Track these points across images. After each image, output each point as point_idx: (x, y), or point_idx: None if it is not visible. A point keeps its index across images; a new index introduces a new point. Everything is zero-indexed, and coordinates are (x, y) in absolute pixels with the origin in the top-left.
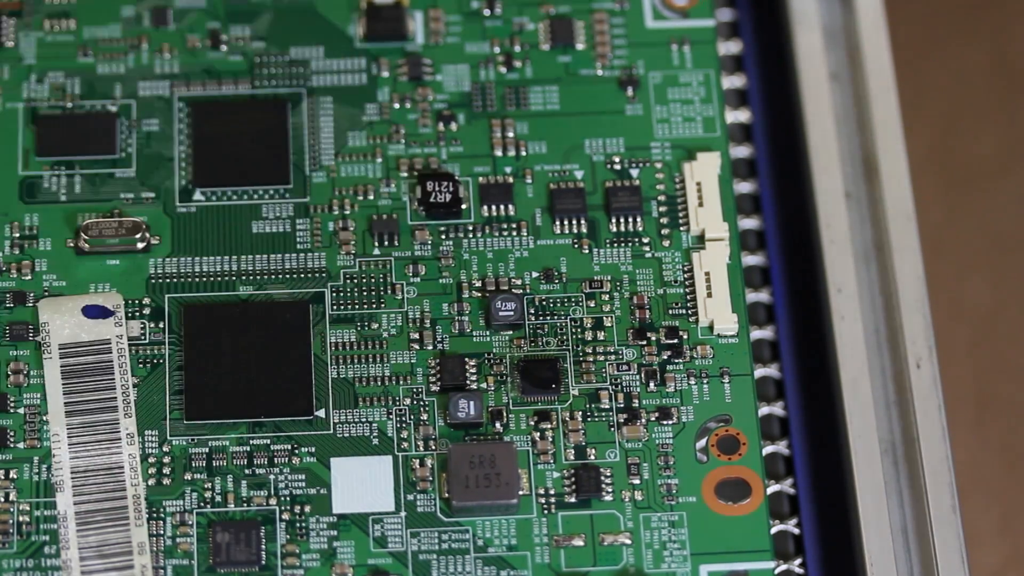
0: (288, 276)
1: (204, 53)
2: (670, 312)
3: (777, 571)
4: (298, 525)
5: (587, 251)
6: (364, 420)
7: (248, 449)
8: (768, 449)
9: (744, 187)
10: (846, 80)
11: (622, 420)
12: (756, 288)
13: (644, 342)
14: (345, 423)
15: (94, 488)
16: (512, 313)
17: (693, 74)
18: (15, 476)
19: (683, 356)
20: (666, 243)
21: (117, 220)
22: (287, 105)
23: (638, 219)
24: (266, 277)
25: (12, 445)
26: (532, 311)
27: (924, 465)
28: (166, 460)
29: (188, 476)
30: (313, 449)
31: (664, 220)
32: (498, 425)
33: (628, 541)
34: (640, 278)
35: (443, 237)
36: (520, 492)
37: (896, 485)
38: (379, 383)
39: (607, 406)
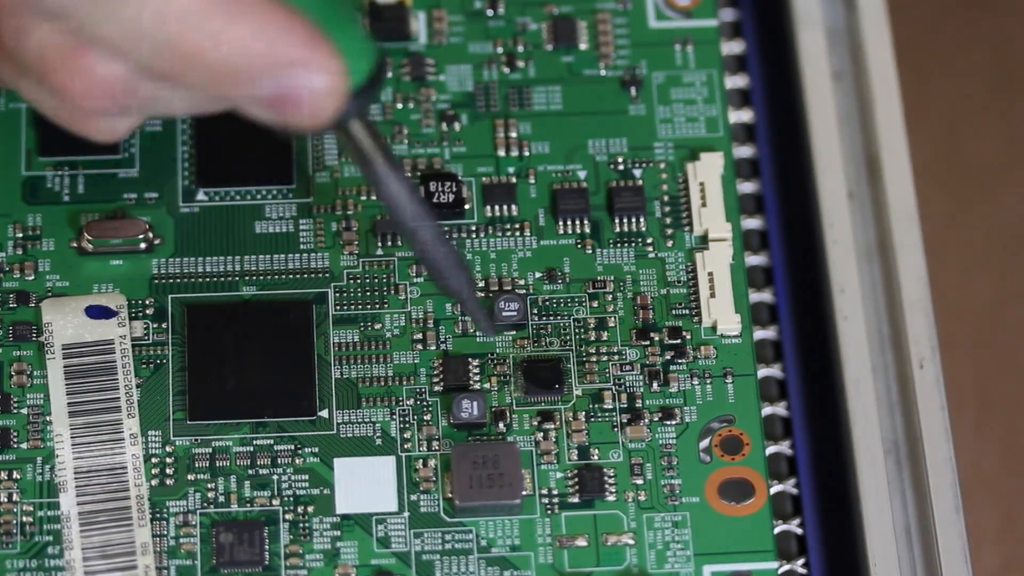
0: (291, 276)
1: None
2: (673, 312)
3: (780, 571)
4: (301, 525)
5: (590, 251)
6: (367, 420)
7: (251, 449)
8: (771, 449)
9: (747, 187)
10: (849, 80)
11: (625, 420)
12: (759, 288)
13: (647, 342)
14: (348, 423)
15: (97, 488)
16: (515, 313)
17: (696, 74)
18: (18, 476)
19: (686, 356)
20: (669, 243)
21: (120, 220)
22: None
23: (641, 219)
24: (269, 278)
25: (15, 445)
26: (535, 311)
27: (927, 465)
28: (169, 460)
29: (191, 476)
30: (316, 449)
31: (667, 220)
32: (501, 425)
33: (631, 541)
34: (643, 278)
35: (446, 237)
36: (523, 492)
37: (899, 485)
38: (382, 383)
39: (610, 406)
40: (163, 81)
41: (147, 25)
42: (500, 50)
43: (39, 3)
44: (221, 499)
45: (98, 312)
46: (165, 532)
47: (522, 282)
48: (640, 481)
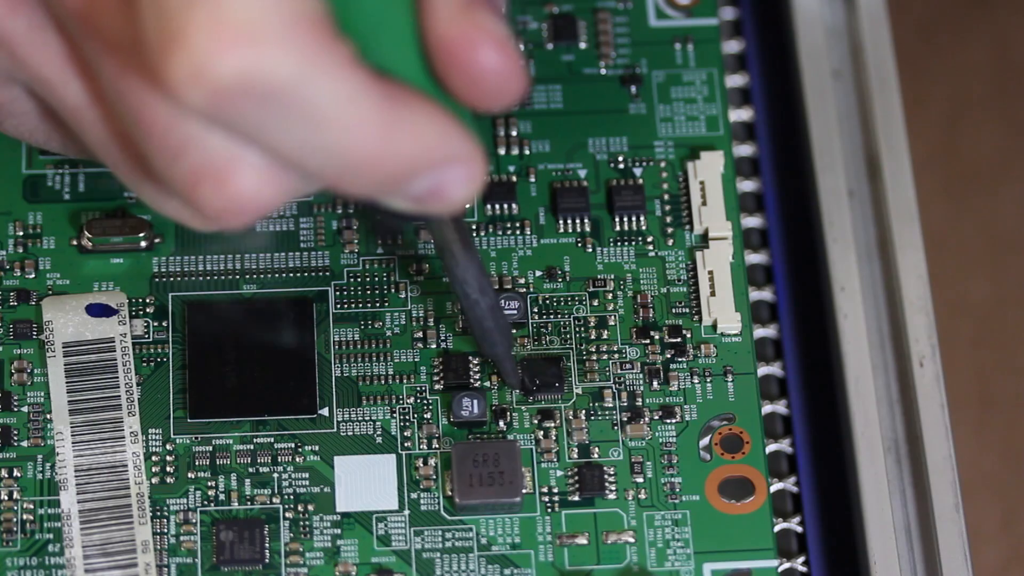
0: (292, 275)
1: None
2: (673, 311)
3: (780, 569)
4: (302, 523)
5: (590, 250)
6: (368, 419)
7: (252, 447)
8: (771, 447)
9: (747, 186)
10: (848, 78)
11: (625, 419)
12: (759, 287)
13: (647, 341)
14: (349, 421)
15: (98, 486)
16: (515, 312)
17: (696, 73)
18: (19, 474)
19: (686, 355)
20: (669, 242)
21: (120, 219)
22: None
23: (641, 218)
24: (270, 276)
25: (16, 443)
26: (535, 310)
27: (927, 463)
28: (169, 458)
29: (192, 474)
30: (317, 448)
31: (667, 219)
32: (501, 424)
33: (631, 539)
34: (643, 277)
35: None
36: (523, 491)
37: (899, 483)
38: (382, 382)
39: (610, 405)
40: (319, 185)
41: (325, 138)
42: None
43: (227, 116)
44: (222, 497)
45: (99, 310)
46: (166, 530)
47: (522, 281)
48: (640, 479)
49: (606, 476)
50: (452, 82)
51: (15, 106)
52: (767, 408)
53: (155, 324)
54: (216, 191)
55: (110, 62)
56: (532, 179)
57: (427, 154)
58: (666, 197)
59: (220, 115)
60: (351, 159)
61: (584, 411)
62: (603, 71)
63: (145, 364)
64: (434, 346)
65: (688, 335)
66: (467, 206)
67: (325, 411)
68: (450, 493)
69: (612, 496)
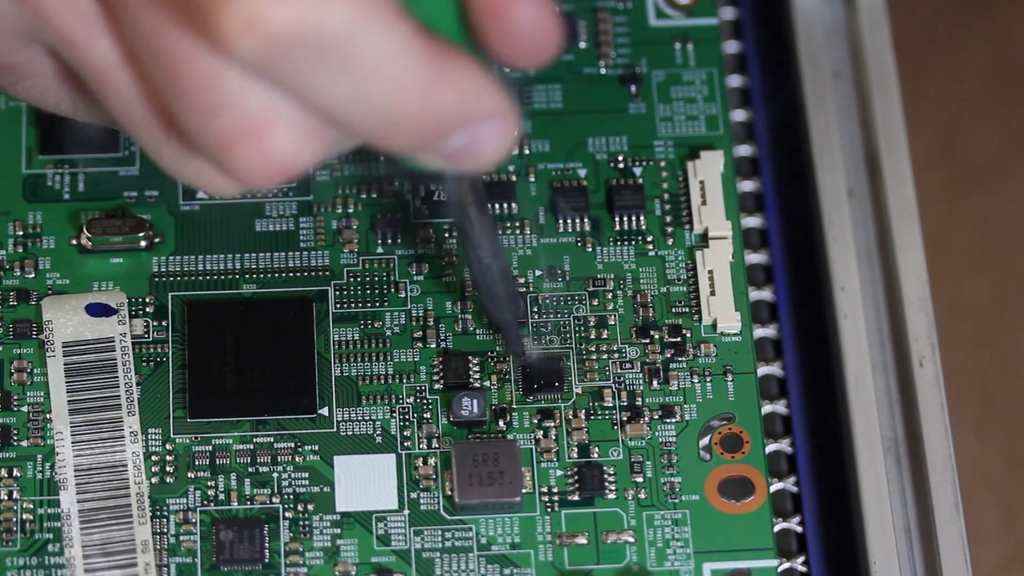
0: (291, 274)
1: None
2: (673, 310)
3: (780, 569)
4: (301, 523)
5: (590, 249)
6: (367, 418)
7: (251, 447)
8: (771, 447)
9: (747, 185)
10: (848, 78)
11: (625, 418)
12: (759, 286)
13: (647, 340)
14: (348, 421)
15: (97, 486)
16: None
17: (696, 72)
18: (19, 474)
19: (686, 354)
20: (669, 241)
21: (120, 218)
22: None
23: (641, 217)
24: (270, 275)
25: (16, 443)
26: (535, 309)
27: (927, 463)
28: (169, 458)
29: (191, 474)
30: (316, 447)
31: (667, 218)
32: (501, 423)
33: (631, 539)
34: (643, 276)
35: (447, 235)
36: (523, 490)
37: (899, 483)
38: (382, 381)
39: (610, 404)
40: (354, 142)
41: (373, 90)
42: None
43: (278, 67)
44: (221, 497)
45: (98, 310)
46: (165, 530)
47: (522, 280)
48: (640, 479)
49: (606, 476)
50: (490, 38)
51: (31, 67)
52: (767, 408)
53: (155, 324)
54: (252, 149)
55: (149, 16)
56: (532, 179)
57: (468, 110)
58: (666, 197)
59: (270, 66)
60: (396, 113)
61: (584, 411)
62: (603, 71)
63: (145, 364)
64: (434, 346)
65: (688, 335)
66: (493, 166)
67: (325, 411)
68: (450, 493)
69: (612, 496)
